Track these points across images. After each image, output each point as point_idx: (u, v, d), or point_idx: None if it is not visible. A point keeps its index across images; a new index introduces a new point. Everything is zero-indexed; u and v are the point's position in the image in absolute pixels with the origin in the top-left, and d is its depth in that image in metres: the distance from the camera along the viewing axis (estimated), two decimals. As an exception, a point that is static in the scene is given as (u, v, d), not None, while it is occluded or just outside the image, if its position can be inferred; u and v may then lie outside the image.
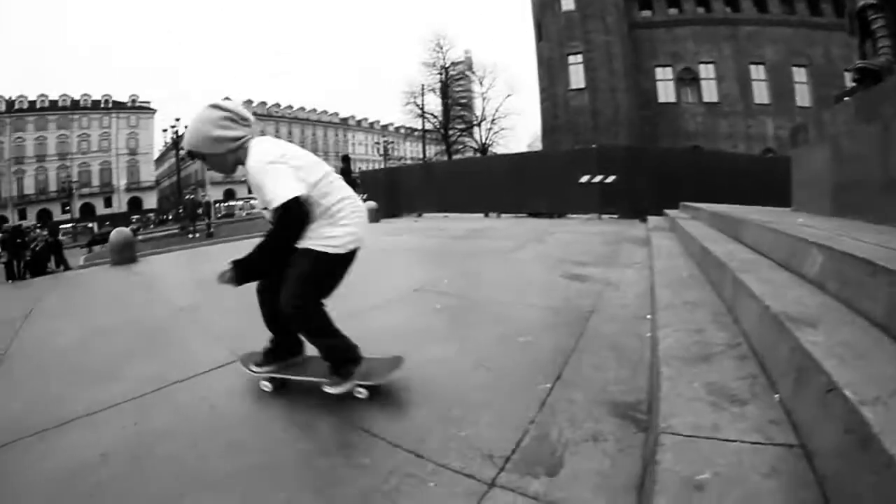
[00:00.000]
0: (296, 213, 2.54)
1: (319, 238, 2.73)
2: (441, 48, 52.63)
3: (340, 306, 5.00)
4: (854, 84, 5.61)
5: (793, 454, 1.65)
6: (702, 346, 2.67)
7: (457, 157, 50.26)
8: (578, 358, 3.38)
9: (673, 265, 5.24)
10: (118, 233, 11.45)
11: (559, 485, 2.05)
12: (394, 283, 6.13)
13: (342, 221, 2.78)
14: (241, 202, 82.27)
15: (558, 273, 6.20)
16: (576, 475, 2.10)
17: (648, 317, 4.12)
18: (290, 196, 2.50)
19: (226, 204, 79.22)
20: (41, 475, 2.43)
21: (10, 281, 15.33)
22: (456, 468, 2.22)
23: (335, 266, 2.88)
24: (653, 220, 11.20)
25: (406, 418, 2.72)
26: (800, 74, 33.65)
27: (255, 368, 3.20)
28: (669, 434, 1.82)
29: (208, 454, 2.48)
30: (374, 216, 17.39)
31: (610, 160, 15.02)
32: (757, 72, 34.21)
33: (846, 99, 5.60)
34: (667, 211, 11.25)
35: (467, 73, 56.33)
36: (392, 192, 20.26)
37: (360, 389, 2.90)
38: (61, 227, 39.94)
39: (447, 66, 53.17)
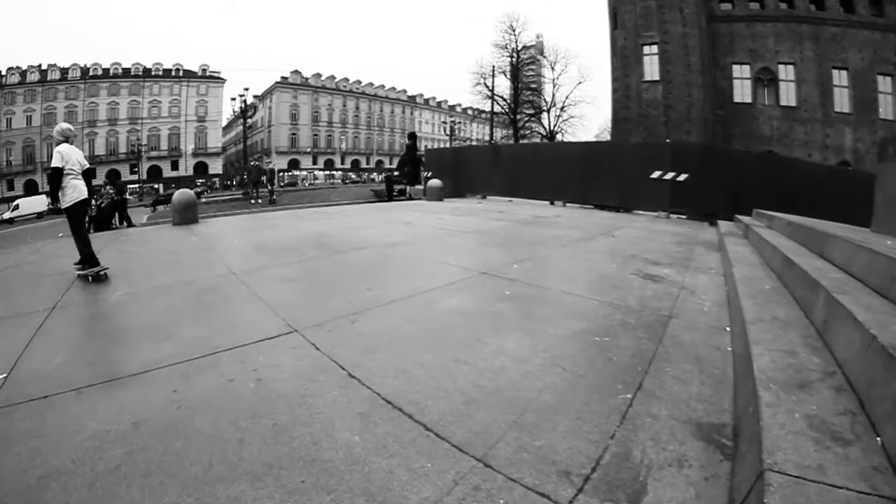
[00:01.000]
0: (52, 173, 5.81)
1: (64, 200, 5.92)
2: (513, 30, 51.65)
3: (405, 285, 4.87)
4: None
5: None
6: (797, 371, 2.42)
7: (524, 141, 49.67)
8: (659, 367, 3.07)
9: (753, 275, 4.87)
10: (181, 193, 11.68)
11: None
12: (460, 264, 5.92)
13: (66, 191, 5.90)
14: (304, 172, 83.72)
15: (631, 270, 5.84)
16: None
17: (728, 329, 3.84)
18: (52, 166, 5.81)
19: (290, 173, 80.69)
20: (73, 436, 2.34)
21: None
22: (529, 484, 1.96)
23: (74, 210, 6.02)
24: (723, 224, 10.68)
25: (474, 419, 2.44)
26: (885, 84, 30.77)
27: (74, 266, 5.93)
28: (776, 473, 1.65)
29: (248, 437, 2.29)
30: (439, 195, 17.34)
31: (684, 157, 14.17)
32: (839, 77, 31.55)
33: None
34: (739, 217, 10.66)
35: (538, 57, 55.40)
36: (458, 171, 19.91)
37: (88, 277, 5.70)
38: (128, 186, 41.41)
39: (518, 49, 52.18)
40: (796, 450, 1.74)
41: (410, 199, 18.74)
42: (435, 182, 17.69)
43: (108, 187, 18.15)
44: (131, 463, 2.11)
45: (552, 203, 16.93)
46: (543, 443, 2.23)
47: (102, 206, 16.19)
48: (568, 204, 16.57)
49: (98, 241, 9.22)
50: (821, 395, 2.16)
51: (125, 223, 16.66)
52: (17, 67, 65.60)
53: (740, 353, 3.00)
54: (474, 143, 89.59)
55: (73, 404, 2.65)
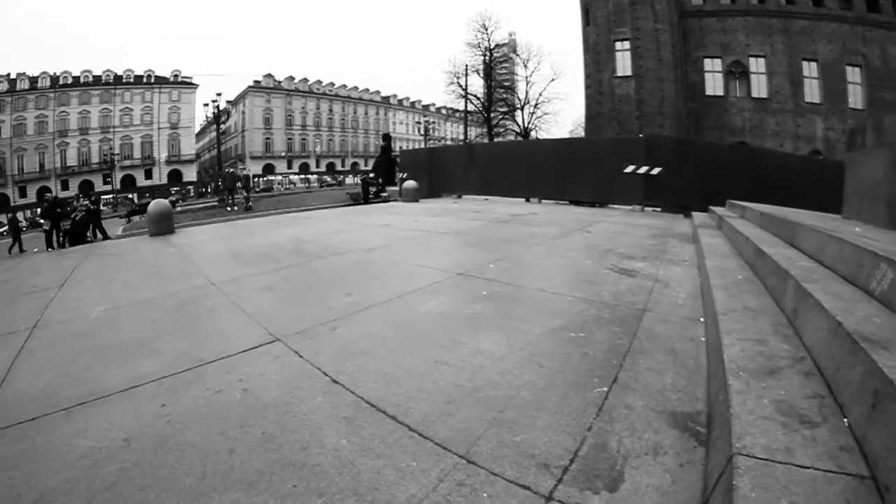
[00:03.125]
0: None
1: None
2: (486, 29, 51.81)
3: (384, 289, 4.97)
4: None
5: (864, 486, 1.59)
6: (767, 359, 2.52)
7: (498, 139, 49.96)
8: (634, 360, 3.18)
9: (725, 266, 5.00)
10: (156, 204, 11.61)
11: (620, 502, 1.92)
12: (438, 266, 6.01)
13: None
14: (279, 177, 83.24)
15: (606, 265, 5.99)
16: (637, 491, 1.96)
17: (702, 319, 3.96)
18: None
19: (265, 178, 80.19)
20: (65, 456, 2.36)
21: (49, 249, 15.59)
22: (510, 477, 2.05)
23: None
24: (697, 216, 10.85)
25: (455, 417, 2.53)
26: (853, 74, 31.54)
27: None
28: (744, 456, 1.73)
29: (238, 446, 2.34)
30: (414, 196, 17.52)
31: (658, 151, 14.48)
32: (809, 69, 32.37)
33: None
34: (712, 208, 10.84)
35: (511, 55, 55.78)
36: (433, 172, 20.13)
37: None
38: (102, 197, 40.81)
39: (491, 47, 52.43)
40: (765, 434, 1.83)
41: (386, 201, 18.80)
42: (410, 183, 17.87)
43: (82, 199, 17.85)
44: (126, 479, 2.15)
45: (528, 200, 17.21)
46: (523, 438, 2.32)
47: (77, 218, 15.92)
48: (544, 200, 16.85)
49: (75, 255, 9.19)
50: (789, 381, 2.26)
51: (100, 236, 16.43)
52: (-14, 79, 64.35)
53: (713, 343, 3.10)
54: (449, 142, 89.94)
55: (62, 424, 2.66)
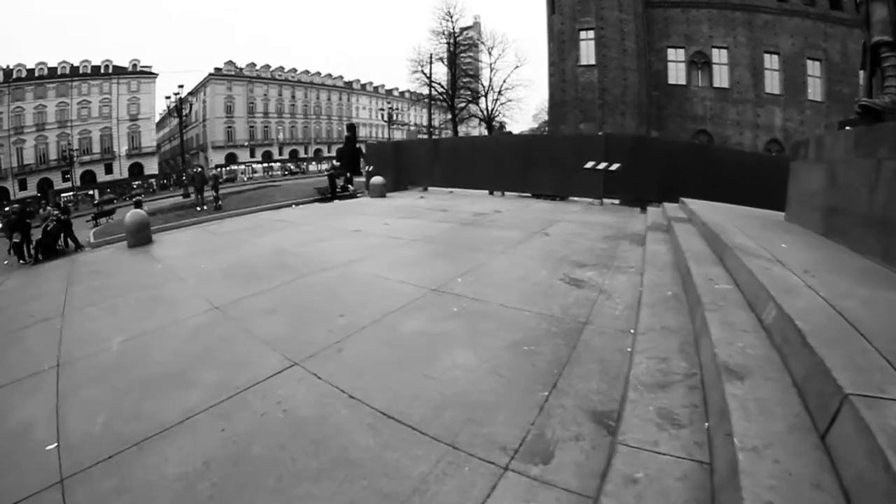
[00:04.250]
0: None
1: None
2: (451, 17, 51.88)
3: (371, 308, 5.76)
4: (857, 116, 5.62)
5: (702, 469, 2.33)
6: (664, 375, 3.20)
7: (462, 126, 50.30)
8: (571, 369, 4.03)
9: (660, 280, 5.48)
10: (133, 215, 12.23)
11: (550, 470, 2.84)
12: (414, 281, 6.67)
13: None
14: (242, 166, 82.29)
15: (559, 275, 6.72)
16: (562, 464, 2.90)
17: (632, 331, 4.54)
18: None
19: (228, 168, 79.65)
20: (160, 483, 2.93)
21: (21, 262, 15.10)
22: (481, 457, 3.01)
23: None
24: (652, 212, 11.43)
25: (442, 418, 3.45)
26: (814, 68, 33.57)
27: None
28: (623, 445, 2.53)
29: (297, 454, 3.12)
30: (381, 191, 18.04)
31: (617, 148, 15.33)
32: (770, 61, 34.04)
33: (847, 128, 5.79)
34: (666, 204, 11.37)
35: (477, 41, 56.07)
36: (399, 164, 20.63)
37: None
38: (62, 195, 38.36)
39: (456, 34, 52.53)
40: (643, 432, 2.60)
41: (354, 195, 19.15)
42: (377, 179, 18.37)
43: (51, 209, 17.32)
44: (221, 490, 2.81)
45: (492, 193, 17.84)
46: (489, 430, 3.28)
47: (49, 228, 15.57)
48: (507, 193, 17.50)
49: (57, 272, 9.57)
50: (676, 393, 2.96)
51: (73, 246, 16.01)
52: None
53: (631, 361, 3.66)
54: (412, 127, 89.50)
55: (140, 457, 3.17)
